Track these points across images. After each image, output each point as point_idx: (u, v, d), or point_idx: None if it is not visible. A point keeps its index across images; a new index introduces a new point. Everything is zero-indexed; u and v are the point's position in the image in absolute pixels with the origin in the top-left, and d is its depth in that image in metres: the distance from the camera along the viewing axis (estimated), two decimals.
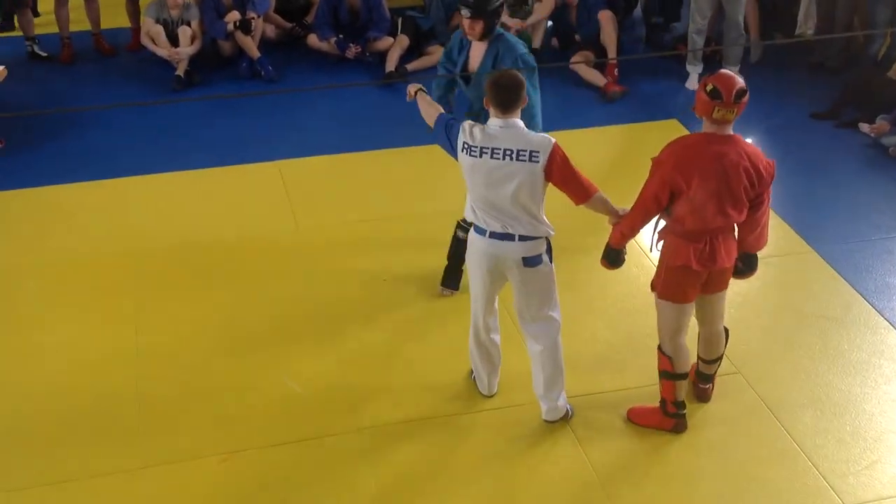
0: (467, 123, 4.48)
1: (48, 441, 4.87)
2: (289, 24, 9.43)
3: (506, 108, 4.38)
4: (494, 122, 4.42)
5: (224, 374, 5.31)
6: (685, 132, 7.80)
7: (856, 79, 8.28)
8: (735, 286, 6.01)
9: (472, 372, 5.19)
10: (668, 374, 4.85)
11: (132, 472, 4.68)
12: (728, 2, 8.43)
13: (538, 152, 4.33)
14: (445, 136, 4.59)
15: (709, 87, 4.31)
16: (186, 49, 8.66)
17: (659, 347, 4.86)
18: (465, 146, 4.42)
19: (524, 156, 4.33)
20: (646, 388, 5.22)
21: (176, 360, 5.40)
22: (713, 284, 4.71)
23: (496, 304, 4.89)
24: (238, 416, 5.03)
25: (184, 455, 4.78)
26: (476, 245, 4.62)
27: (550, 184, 4.43)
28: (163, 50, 8.66)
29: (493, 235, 4.51)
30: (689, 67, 8.81)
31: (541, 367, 4.84)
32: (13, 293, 5.97)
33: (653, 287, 4.77)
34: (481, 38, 5.32)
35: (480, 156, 4.37)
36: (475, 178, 4.44)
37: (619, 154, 7.51)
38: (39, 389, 5.20)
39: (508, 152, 4.34)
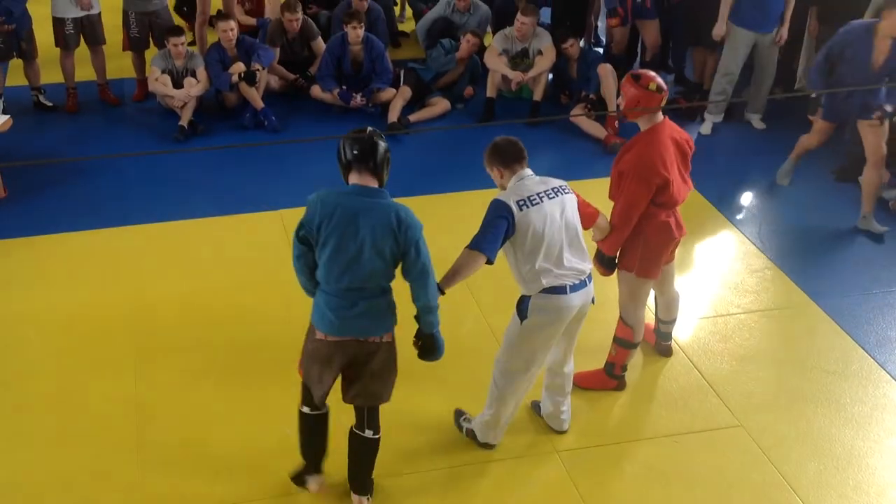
0: (501, 196, 4.51)
1: (49, 490, 4.84)
2: (292, 76, 9.52)
3: (522, 160, 4.62)
4: (522, 176, 4.58)
5: (225, 423, 5.30)
6: None
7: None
8: (738, 341, 6.03)
9: (466, 429, 5.15)
10: (628, 343, 5.41)
11: None
12: (762, 56, 8.66)
13: (566, 185, 4.66)
14: (495, 231, 4.43)
15: (652, 86, 4.99)
16: (194, 88, 8.74)
17: (622, 319, 5.40)
18: (521, 202, 4.47)
19: (563, 191, 4.62)
20: (647, 441, 5.21)
21: (176, 409, 5.39)
22: (670, 254, 5.39)
23: None
24: (239, 466, 5.01)
25: None
26: (554, 304, 4.60)
27: None
28: (172, 90, 8.73)
29: (574, 289, 4.61)
30: (707, 115, 9.07)
31: (567, 382, 5.13)
32: (14, 341, 5.96)
33: (627, 268, 5.23)
34: None
35: (541, 200, 4.50)
36: (540, 230, 4.48)
37: None
38: (39, 438, 5.18)
39: (554, 190, 4.58)
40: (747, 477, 5.01)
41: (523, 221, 4.46)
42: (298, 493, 4.83)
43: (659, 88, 4.99)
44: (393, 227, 4.13)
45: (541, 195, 4.51)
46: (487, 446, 5.09)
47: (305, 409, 4.65)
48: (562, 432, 5.23)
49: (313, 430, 4.67)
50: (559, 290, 4.55)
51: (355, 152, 4.20)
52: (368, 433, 4.58)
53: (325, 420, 4.66)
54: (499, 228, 4.42)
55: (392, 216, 4.14)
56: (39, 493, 4.84)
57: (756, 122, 9.11)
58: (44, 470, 4.97)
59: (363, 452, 4.65)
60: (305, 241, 4.28)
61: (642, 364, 5.78)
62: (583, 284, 4.64)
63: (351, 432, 4.64)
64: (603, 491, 4.91)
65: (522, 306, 4.64)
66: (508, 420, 5.03)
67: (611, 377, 5.51)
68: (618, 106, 5.19)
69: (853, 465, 5.11)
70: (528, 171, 4.61)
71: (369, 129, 4.26)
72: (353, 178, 4.24)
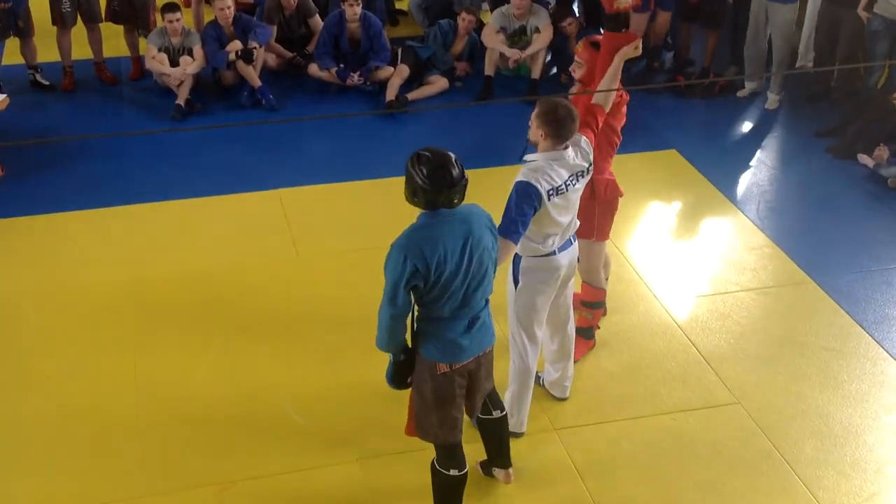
0: (533, 179, 4.40)
1: (47, 469, 4.86)
2: (290, 54, 9.48)
3: (570, 137, 4.49)
4: (560, 156, 4.47)
5: (223, 402, 5.30)
6: (684, 163, 7.85)
7: (871, 110, 8.23)
8: (736, 318, 6.03)
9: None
10: (600, 304, 5.61)
11: (131, 501, 4.67)
12: (775, 31, 8.67)
13: (591, 164, 4.61)
14: (525, 220, 4.39)
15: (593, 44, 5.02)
16: (191, 66, 8.71)
17: (589, 284, 5.51)
18: (551, 192, 4.43)
19: (584, 174, 4.58)
20: (645, 418, 5.22)
21: (175, 388, 5.40)
22: None
23: None
24: (237, 445, 5.02)
25: (183, 484, 4.77)
26: (544, 265, 4.65)
27: None
28: (169, 68, 8.71)
29: (561, 248, 4.67)
30: (746, 84, 9.29)
31: (571, 344, 5.15)
32: (12, 321, 5.96)
33: (589, 236, 5.26)
34: None
35: (566, 189, 4.49)
36: (556, 218, 4.51)
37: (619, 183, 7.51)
38: (39, 417, 5.19)
39: (578, 175, 4.55)
40: (745, 454, 5.02)
41: (546, 208, 4.47)
42: (298, 471, 4.84)
43: (597, 45, 5.00)
44: (488, 226, 4.11)
45: (566, 184, 4.48)
46: (515, 434, 4.98)
47: (454, 472, 4.33)
48: (563, 399, 5.26)
49: (461, 492, 4.41)
50: (549, 253, 4.64)
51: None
52: (497, 413, 4.59)
53: (466, 478, 4.41)
54: (528, 216, 4.41)
55: (483, 216, 4.10)
56: (39, 470, 4.85)
57: (771, 100, 9.01)
58: (43, 447, 4.98)
59: (500, 430, 4.66)
60: (415, 290, 4.02)
61: (640, 342, 5.78)
62: (568, 244, 4.72)
63: (483, 420, 4.62)
64: (601, 468, 4.91)
65: (515, 269, 4.70)
66: (528, 402, 5.00)
67: (589, 339, 5.66)
68: (571, 72, 5.10)
69: (851, 442, 5.12)
70: (570, 152, 4.51)
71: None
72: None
